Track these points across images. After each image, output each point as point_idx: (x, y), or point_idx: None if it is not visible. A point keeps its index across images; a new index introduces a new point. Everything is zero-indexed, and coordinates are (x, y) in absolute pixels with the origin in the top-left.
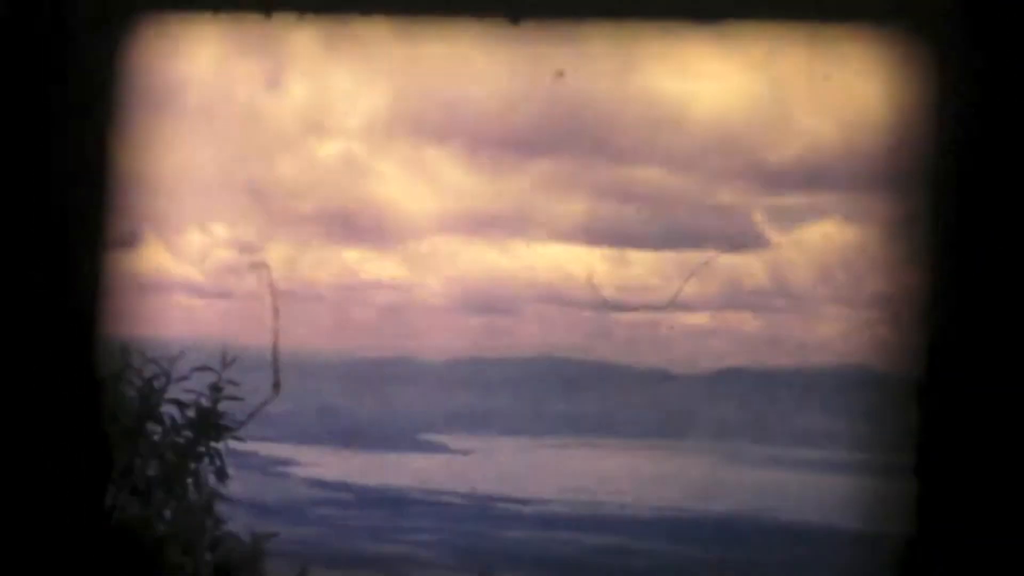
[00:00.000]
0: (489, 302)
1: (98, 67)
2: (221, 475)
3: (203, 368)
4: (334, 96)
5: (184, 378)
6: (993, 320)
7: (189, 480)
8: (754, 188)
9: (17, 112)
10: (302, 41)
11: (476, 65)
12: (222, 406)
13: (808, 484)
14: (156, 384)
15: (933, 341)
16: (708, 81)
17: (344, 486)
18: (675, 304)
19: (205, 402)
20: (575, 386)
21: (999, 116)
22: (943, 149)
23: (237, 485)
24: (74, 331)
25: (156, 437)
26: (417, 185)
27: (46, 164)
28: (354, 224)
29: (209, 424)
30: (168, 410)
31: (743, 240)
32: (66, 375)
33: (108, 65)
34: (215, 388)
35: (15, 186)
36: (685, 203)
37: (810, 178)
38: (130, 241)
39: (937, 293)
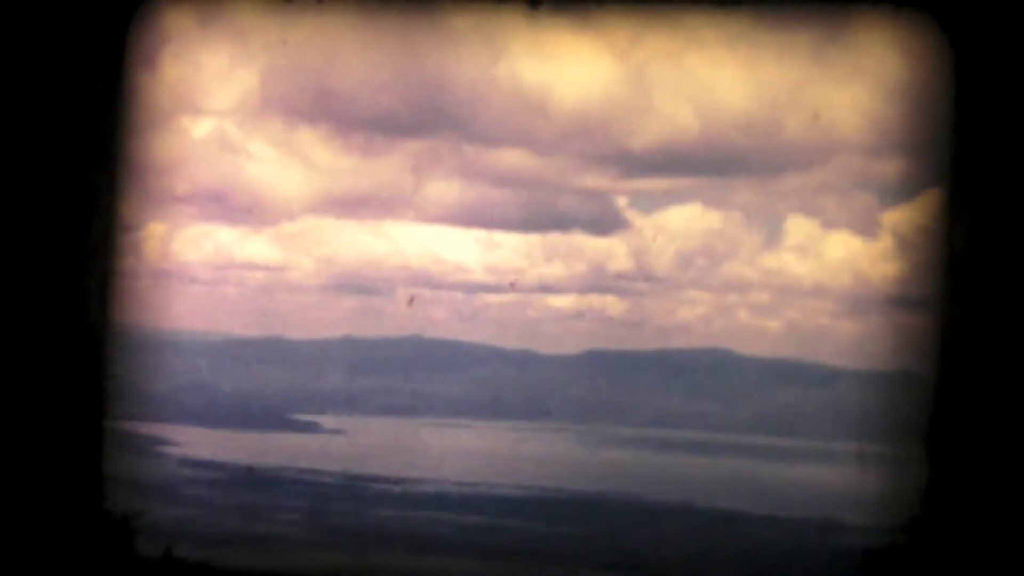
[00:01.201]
0: (360, 283)
1: (104, 57)
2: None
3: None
4: (207, 76)
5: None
6: (1004, 317)
7: None
8: (617, 173)
9: (25, 103)
10: (175, 20)
11: (347, 48)
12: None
13: (670, 464)
14: None
15: (944, 338)
16: (572, 67)
17: (216, 465)
18: (541, 286)
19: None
20: (445, 367)
21: (1016, 104)
22: (958, 138)
23: (112, 464)
24: (79, 320)
25: None
26: (289, 166)
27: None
28: (227, 204)
29: None
30: None
31: (606, 224)
32: (70, 365)
33: (114, 55)
34: None
35: (22, 176)
36: (550, 186)
37: (671, 164)
38: None
39: (951, 286)
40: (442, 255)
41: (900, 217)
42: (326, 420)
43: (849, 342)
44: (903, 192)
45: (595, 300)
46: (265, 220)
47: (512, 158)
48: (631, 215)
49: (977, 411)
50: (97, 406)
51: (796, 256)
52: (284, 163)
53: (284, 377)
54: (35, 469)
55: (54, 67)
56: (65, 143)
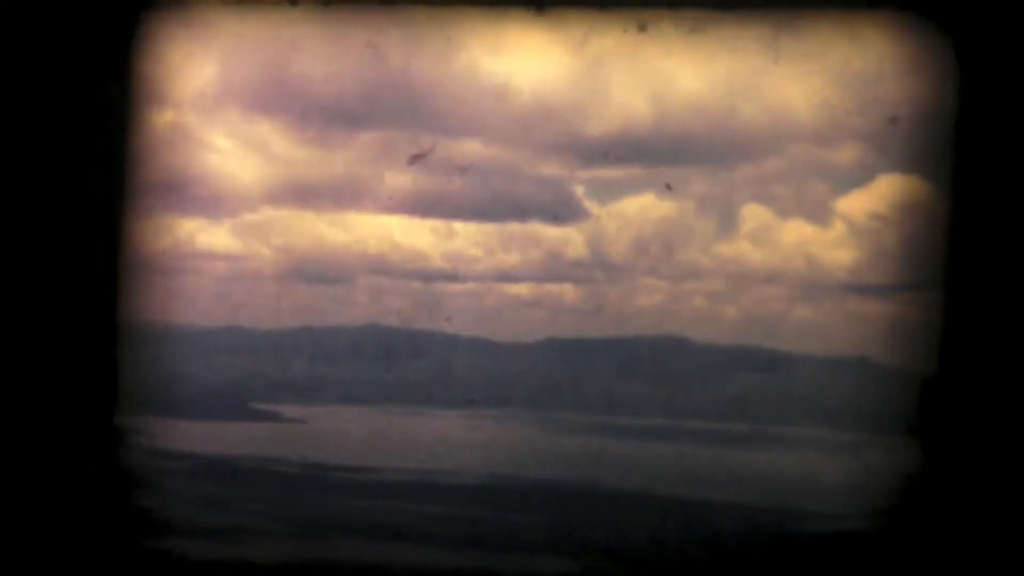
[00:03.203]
0: (320, 273)
1: (111, 56)
2: None
3: None
4: (184, 72)
5: None
6: (1002, 313)
7: None
8: (574, 161)
9: (35, 100)
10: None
11: (302, 40)
12: None
13: (630, 451)
14: None
15: (942, 335)
16: (529, 59)
17: (177, 455)
18: (498, 275)
19: None
20: (404, 355)
21: (1015, 105)
22: (958, 136)
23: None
24: (88, 314)
25: None
26: (247, 156)
27: (59, 153)
28: (186, 194)
29: None
30: None
31: (563, 212)
32: (80, 358)
33: (121, 54)
34: None
35: (28, 175)
36: (507, 175)
37: (627, 153)
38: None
39: (949, 282)
40: (400, 244)
41: (856, 204)
42: (287, 409)
43: (803, 328)
44: (860, 180)
45: (552, 288)
46: (225, 210)
47: (469, 147)
48: (588, 204)
49: (946, 399)
50: (82, 399)
51: (751, 243)
52: (243, 153)
53: (245, 366)
54: (12, 461)
55: (51, 69)
56: (64, 142)
